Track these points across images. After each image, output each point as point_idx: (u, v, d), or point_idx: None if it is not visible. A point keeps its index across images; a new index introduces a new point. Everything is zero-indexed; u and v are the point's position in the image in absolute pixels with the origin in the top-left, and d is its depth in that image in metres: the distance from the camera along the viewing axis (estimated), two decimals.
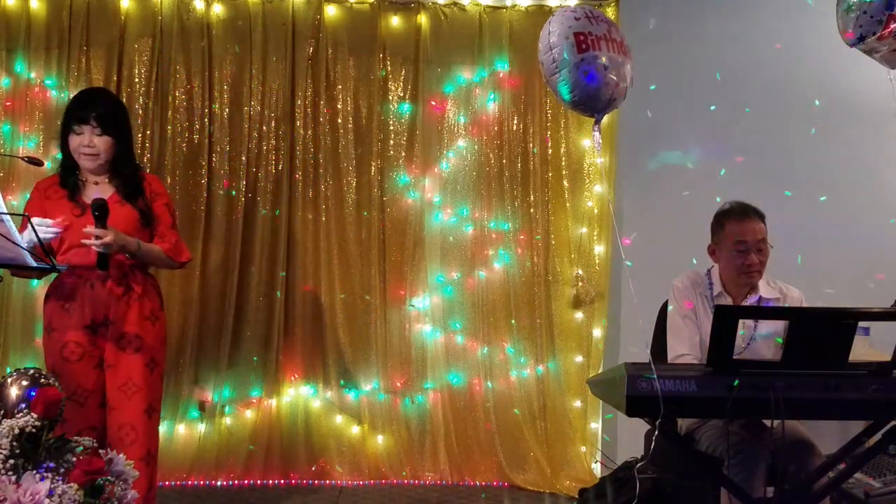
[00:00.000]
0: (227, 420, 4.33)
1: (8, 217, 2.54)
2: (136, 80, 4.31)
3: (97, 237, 2.80)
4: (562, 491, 4.24)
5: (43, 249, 2.69)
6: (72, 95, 4.20)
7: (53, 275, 2.96)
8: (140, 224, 3.03)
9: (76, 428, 2.84)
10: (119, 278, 2.98)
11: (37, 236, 2.70)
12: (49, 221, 2.84)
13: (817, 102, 4.34)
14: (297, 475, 4.31)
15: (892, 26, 2.62)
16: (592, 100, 2.75)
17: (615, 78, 2.71)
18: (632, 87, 2.82)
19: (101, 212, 2.82)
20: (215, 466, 4.25)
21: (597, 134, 2.78)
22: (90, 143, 2.98)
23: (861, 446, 2.77)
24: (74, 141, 2.99)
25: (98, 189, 3.03)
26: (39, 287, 4.16)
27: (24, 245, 2.63)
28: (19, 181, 4.23)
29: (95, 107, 3.00)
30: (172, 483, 4.16)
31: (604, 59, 2.68)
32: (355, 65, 4.42)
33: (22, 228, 2.77)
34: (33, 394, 2.08)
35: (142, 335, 3.00)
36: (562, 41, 2.69)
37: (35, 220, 2.81)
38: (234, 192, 4.36)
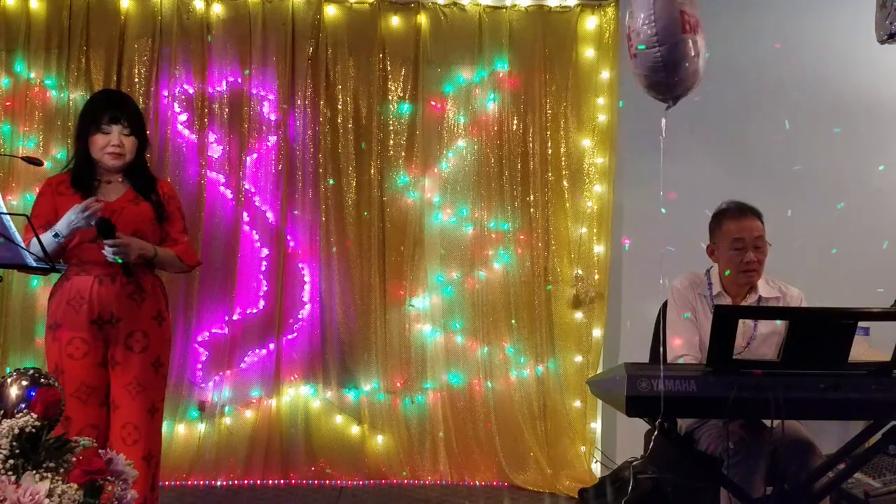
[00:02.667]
0: (227, 420, 4.33)
1: (8, 217, 2.54)
2: (136, 80, 4.31)
3: (112, 246, 2.86)
4: (562, 491, 4.24)
5: (44, 250, 2.69)
6: (72, 95, 4.25)
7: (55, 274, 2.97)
8: (155, 220, 3.06)
9: (78, 426, 2.85)
10: (128, 276, 2.98)
11: (48, 240, 2.69)
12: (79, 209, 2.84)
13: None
14: (297, 475, 4.31)
15: None
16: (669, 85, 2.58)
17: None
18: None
19: (104, 228, 2.84)
20: (215, 466, 4.25)
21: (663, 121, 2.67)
22: (119, 142, 3.00)
23: (861, 446, 2.77)
24: (101, 140, 3.00)
25: (112, 188, 3.04)
26: (39, 287, 4.17)
27: (24, 245, 2.63)
28: (19, 181, 4.23)
29: (126, 108, 3.04)
30: (172, 483, 4.16)
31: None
32: (355, 65, 4.42)
33: (27, 236, 2.76)
34: (33, 394, 2.08)
35: (149, 335, 3.01)
36: (656, 20, 2.44)
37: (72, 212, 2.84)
38: (233, 193, 4.37)
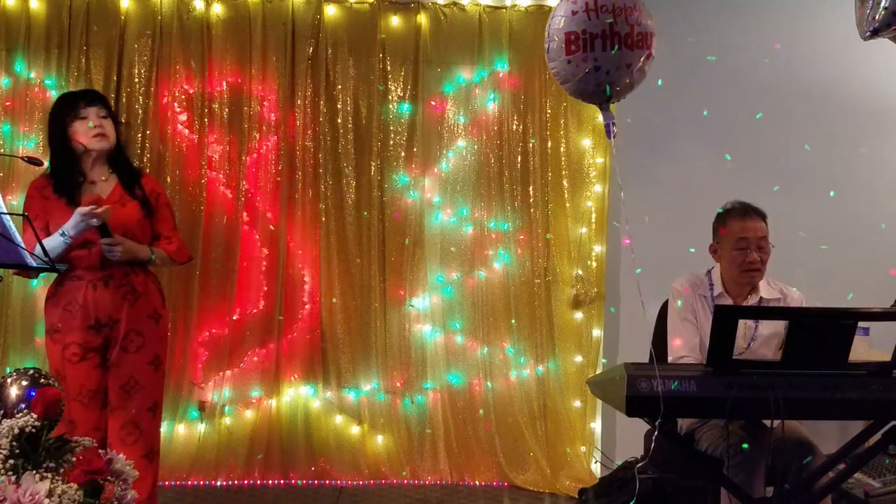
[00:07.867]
0: (227, 420, 4.33)
1: (8, 217, 2.54)
2: (136, 80, 4.31)
3: (107, 245, 2.92)
4: (562, 491, 4.24)
5: (43, 249, 2.69)
6: None
7: (53, 276, 2.98)
8: (143, 219, 3.08)
9: (82, 430, 2.86)
10: (122, 278, 2.99)
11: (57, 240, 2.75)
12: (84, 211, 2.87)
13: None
14: (297, 475, 4.31)
15: None
16: (587, 96, 2.73)
17: (611, 76, 2.63)
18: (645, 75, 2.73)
19: (102, 228, 2.90)
20: (215, 466, 4.25)
21: (608, 124, 2.71)
22: (99, 123, 3.03)
23: (861, 446, 2.77)
24: (81, 126, 3.01)
25: (98, 188, 3.04)
26: (39, 287, 4.16)
27: (23, 245, 2.63)
28: (19, 181, 4.23)
29: (96, 93, 3.14)
30: (172, 483, 4.16)
31: (593, 62, 2.61)
32: (355, 65, 4.42)
33: (26, 236, 2.75)
34: (33, 394, 2.09)
35: (144, 333, 3.02)
36: (552, 38, 2.66)
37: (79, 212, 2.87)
38: (233, 193, 4.36)
